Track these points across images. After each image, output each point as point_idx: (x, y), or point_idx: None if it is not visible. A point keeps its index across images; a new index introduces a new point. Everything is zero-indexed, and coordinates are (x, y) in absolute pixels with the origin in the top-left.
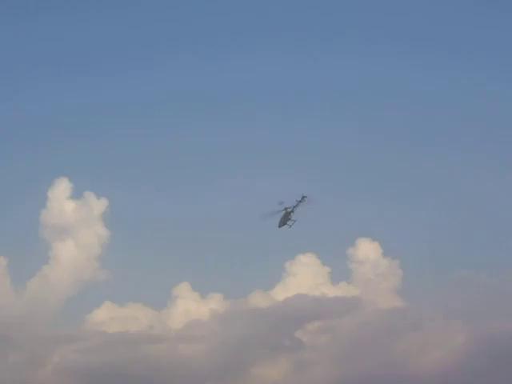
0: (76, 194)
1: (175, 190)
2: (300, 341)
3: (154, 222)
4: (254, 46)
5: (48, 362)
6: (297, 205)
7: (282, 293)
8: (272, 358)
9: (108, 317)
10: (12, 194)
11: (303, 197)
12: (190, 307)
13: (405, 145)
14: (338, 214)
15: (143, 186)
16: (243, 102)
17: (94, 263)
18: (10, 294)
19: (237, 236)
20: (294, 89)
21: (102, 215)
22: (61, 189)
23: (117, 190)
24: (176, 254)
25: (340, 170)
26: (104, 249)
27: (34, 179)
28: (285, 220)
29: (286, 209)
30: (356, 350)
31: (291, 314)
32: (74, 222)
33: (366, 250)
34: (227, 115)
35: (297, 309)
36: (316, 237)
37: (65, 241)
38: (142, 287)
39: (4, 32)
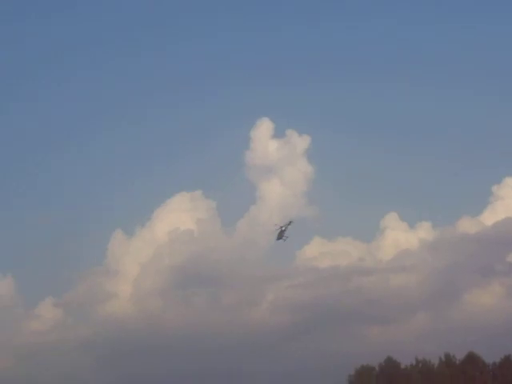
0: (278, 133)
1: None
2: None
3: (357, 156)
4: None
5: (262, 301)
6: (286, 226)
7: (490, 217)
8: (484, 283)
9: (318, 252)
10: (216, 138)
11: (290, 222)
12: (399, 237)
13: None
14: None
15: (343, 122)
16: None
17: (301, 200)
18: (220, 237)
19: None
20: None
21: (305, 152)
22: (263, 129)
23: (318, 126)
24: (381, 187)
25: None
26: (310, 185)
27: (235, 121)
28: (280, 235)
29: (281, 227)
30: None
31: (501, 238)
32: (278, 160)
33: None
34: None
35: (507, 232)
36: None
37: (270, 180)
38: (351, 221)
39: None
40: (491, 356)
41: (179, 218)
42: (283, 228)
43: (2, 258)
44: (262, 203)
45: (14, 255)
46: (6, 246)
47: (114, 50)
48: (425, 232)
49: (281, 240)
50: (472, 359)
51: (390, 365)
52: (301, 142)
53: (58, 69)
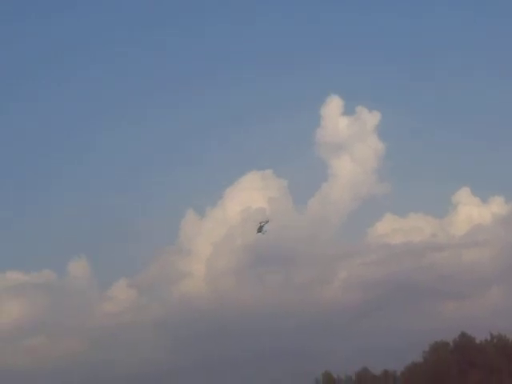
0: (348, 110)
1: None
2: None
3: (427, 131)
4: None
5: (334, 279)
6: (265, 223)
7: None
8: None
9: (390, 229)
10: (286, 116)
11: (267, 221)
12: (472, 213)
13: None
14: None
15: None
16: None
17: (372, 177)
18: (292, 215)
19: None
20: None
21: (375, 128)
22: (333, 106)
23: (388, 102)
24: (453, 163)
25: None
26: (380, 162)
27: (305, 99)
28: (259, 230)
29: (260, 223)
30: None
31: None
32: (349, 137)
33: None
34: None
35: None
36: None
37: (341, 157)
38: (422, 196)
39: None
40: None
41: (250, 196)
42: (262, 224)
43: (76, 240)
44: (333, 181)
45: (88, 237)
46: (79, 228)
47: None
48: (497, 206)
49: (260, 233)
50: None
51: (465, 340)
52: (371, 119)
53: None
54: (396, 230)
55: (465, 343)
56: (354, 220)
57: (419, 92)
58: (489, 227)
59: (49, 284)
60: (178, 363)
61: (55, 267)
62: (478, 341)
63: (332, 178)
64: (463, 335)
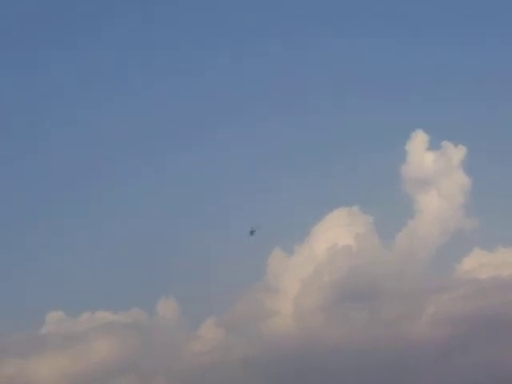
0: (433, 145)
1: None
2: None
3: None
4: None
5: (422, 314)
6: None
7: None
8: None
9: (478, 263)
10: (371, 152)
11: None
12: None
13: None
14: None
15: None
16: None
17: (459, 212)
18: (379, 251)
19: None
20: None
21: (461, 163)
22: (418, 141)
23: (474, 136)
24: None
25: None
26: (467, 196)
27: (390, 135)
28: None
29: (252, 228)
30: None
31: None
32: (435, 172)
33: None
34: None
35: None
36: None
37: (427, 192)
38: (511, 230)
39: None
40: None
41: (337, 233)
42: (253, 229)
43: (165, 279)
44: (419, 216)
45: (176, 276)
46: (167, 269)
47: None
48: None
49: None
50: None
51: None
52: (457, 153)
53: None
54: (484, 264)
55: None
56: (442, 255)
57: (504, 125)
58: None
59: (138, 323)
60: None
61: (144, 306)
62: None
63: (419, 214)
64: None
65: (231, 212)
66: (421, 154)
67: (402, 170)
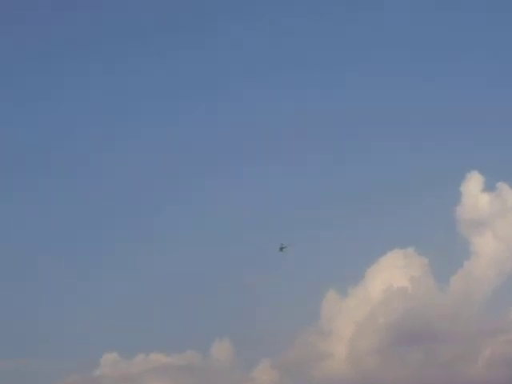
0: (489, 187)
1: None
2: None
3: None
4: None
5: (479, 356)
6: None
7: None
8: None
9: None
10: (426, 194)
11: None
12: None
13: None
14: None
15: None
16: None
17: None
18: (434, 293)
19: None
20: None
21: None
22: (473, 182)
23: None
24: None
25: None
26: None
27: (445, 176)
28: (281, 249)
29: (282, 244)
30: None
31: None
32: (490, 214)
33: None
34: None
35: None
36: None
37: (483, 234)
38: None
39: None
40: None
41: (392, 275)
42: (284, 246)
43: (220, 322)
44: (475, 258)
45: (230, 319)
46: (221, 311)
47: None
48: None
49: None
50: None
51: None
52: None
53: None
54: None
55: None
56: (498, 297)
57: None
58: None
59: (192, 365)
60: None
61: (198, 348)
62: None
63: (474, 255)
64: None
65: (285, 254)
66: (476, 196)
67: (457, 212)
